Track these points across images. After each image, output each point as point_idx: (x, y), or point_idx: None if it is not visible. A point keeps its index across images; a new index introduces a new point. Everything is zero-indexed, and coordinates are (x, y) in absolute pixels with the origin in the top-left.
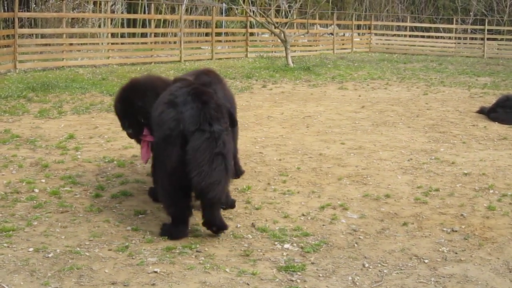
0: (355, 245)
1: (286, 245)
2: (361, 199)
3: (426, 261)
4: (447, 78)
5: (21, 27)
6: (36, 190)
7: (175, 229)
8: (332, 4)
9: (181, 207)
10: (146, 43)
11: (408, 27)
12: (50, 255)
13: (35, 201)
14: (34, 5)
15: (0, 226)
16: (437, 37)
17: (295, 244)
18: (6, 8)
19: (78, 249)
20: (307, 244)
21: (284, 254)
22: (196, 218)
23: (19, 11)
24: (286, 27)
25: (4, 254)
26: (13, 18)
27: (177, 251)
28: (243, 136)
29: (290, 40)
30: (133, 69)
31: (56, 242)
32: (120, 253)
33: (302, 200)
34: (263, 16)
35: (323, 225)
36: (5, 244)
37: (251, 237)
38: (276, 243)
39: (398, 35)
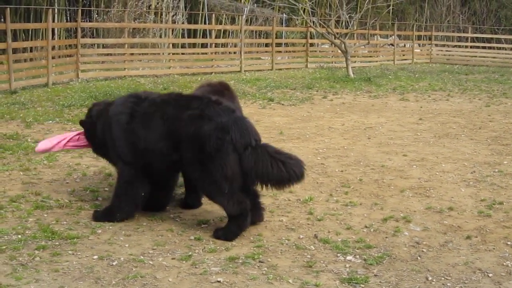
0: (418, 258)
1: (349, 257)
2: (424, 212)
3: (490, 275)
4: (509, 89)
5: (83, 37)
6: (100, 199)
7: (242, 223)
8: (393, 14)
9: (245, 204)
10: (206, 53)
11: (469, 38)
12: (114, 263)
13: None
14: (96, 15)
15: (65, 233)
16: (498, 48)
17: (357, 256)
18: (69, 18)
19: (142, 257)
20: (370, 256)
21: (347, 266)
22: (263, 232)
23: (81, 21)
24: (347, 37)
25: (69, 261)
26: (76, 28)
27: (240, 261)
28: (305, 147)
29: (350, 51)
30: (194, 79)
31: (120, 250)
32: (184, 262)
33: (365, 212)
34: (323, 27)
35: (386, 237)
36: (70, 252)
37: (313, 248)
38: (339, 254)
39: (459, 46)
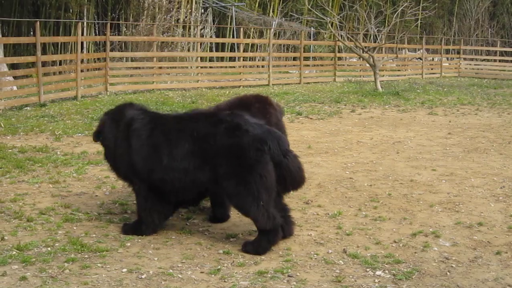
0: (448, 273)
1: (378, 272)
2: (453, 227)
3: None
4: None
5: (112, 50)
6: (129, 212)
7: (273, 238)
8: (421, 28)
9: (278, 219)
10: (234, 67)
11: (498, 52)
12: (143, 276)
13: (128, 223)
14: (125, 29)
15: (94, 246)
16: None
17: (387, 271)
18: (98, 31)
19: (171, 270)
20: (399, 271)
21: (376, 281)
22: (292, 246)
23: (110, 35)
24: (375, 51)
25: (98, 274)
26: (105, 42)
27: (269, 275)
28: (333, 161)
29: (379, 65)
30: (222, 93)
31: (149, 264)
32: (212, 275)
33: (394, 227)
34: (351, 41)
35: (415, 252)
36: (99, 264)
37: (342, 263)
38: (368, 269)
39: (488, 60)
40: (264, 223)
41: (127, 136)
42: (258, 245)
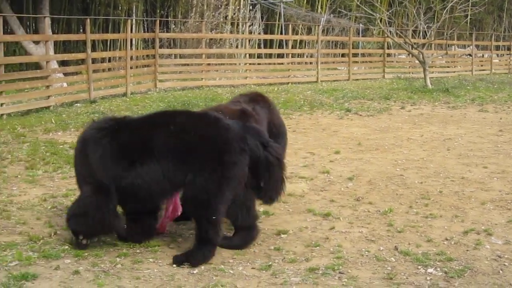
0: (500, 271)
1: (430, 270)
2: (506, 225)
3: None
4: None
5: (161, 47)
6: None
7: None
8: (471, 24)
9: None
10: (283, 63)
11: None
12: (195, 272)
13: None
14: (174, 26)
15: (146, 242)
16: None
17: (438, 269)
18: (146, 28)
19: (222, 266)
20: (451, 269)
21: (428, 278)
22: (343, 243)
23: (159, 32)
24: (425, 48)
25: (150, 269)
26: (154, 39)
27: (320, 272)
28: (383, 158)
29: (428, 61)
30: (270, 89)
31: None
32: (264, 271)
33: (445, 224)
34: (401, 37)
35: (467, 250)
36: (151, 259)
37: (394, 260)
38: (419, 267)
39: None
40: (212, 234)
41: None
42: (192, 257)
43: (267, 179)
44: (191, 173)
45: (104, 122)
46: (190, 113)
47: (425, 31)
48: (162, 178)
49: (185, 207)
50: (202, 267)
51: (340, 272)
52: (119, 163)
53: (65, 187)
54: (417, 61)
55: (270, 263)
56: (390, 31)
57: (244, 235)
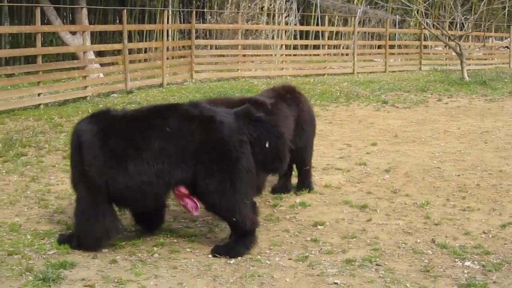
0: None
1: (467, 263)
2: None
3: None
4: None
5: (197, 38)
6: None
7: (253, 241)
8: (508, 16)
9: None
10: (318, 54)
11: None
12: (231, 262)
13: None
14: (210, 17)
15: (182, 231)
16: None
17: (476, 262)
18: (182, 19)
19: (259, 257)
20: (488, 263)
21: (465, 271)
22: (379, 235)
23: (195, 23)
24: (462, 39)
25: (187, 259)
26: (190, 30)
27: (357, 263)
28: (420, 150)
29: (465, 53)
30: (306, 81)
31: None
32: (300, 262)
33: (483, 217)
34: (438, 28)
35: (505, 243)
36: (187, 249)
37: (431, 252)
38: (456, 260)
39: None
40: (249, 225)
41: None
42: (232, 250)
43: (267, 151)
44: (202, 178)
45: (98, 116)
46: (183, 112)
47: (462, 23)
48: (155, 179)
49: (210, 213)
50: (239, 257)
51: (377, 264)
52: (115, 169)
53: None
54: (454, 53)
55: (307, 254)
56: (427, 23)
57: (242, 239)
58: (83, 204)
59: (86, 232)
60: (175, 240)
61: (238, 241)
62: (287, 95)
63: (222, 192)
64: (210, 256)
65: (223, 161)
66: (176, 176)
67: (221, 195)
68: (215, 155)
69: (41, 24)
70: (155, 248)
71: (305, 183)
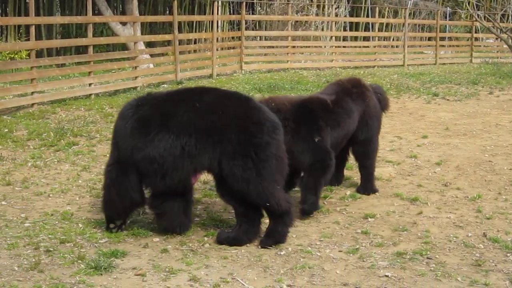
0: None
1: None
2: None
3: None
4: None
5: (246, 29)
6: None
7: (292, 218)
8: None
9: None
10: (368, 46)
11: None
12: (282, 253)
13: None
14: (259, 8)
15: (232, 222)
16: None
17: None
18: (232, 11)
19: (309, 248)
20: None
21: None
22: (430, 228)
23: (245, 14)
24: None
25: (238, 249)
26: (239, 21)
27: (408, 256)
28: (471, 143)
29: None
30: (356, 72)
31: (287, 240)
32: (351, 255)
33: None
34: (489, 21)
35: None
36: None
37: (482, 247)
38: (508, 254)
39: None
40: (284, 205)
41: None
42: (278, 233)
43: None
44: (224, 160)
45: (135, 99)
46: (219, 91)
47: None
48: (181, 156)
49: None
50: (289, 248)
51: (428, 258)
52: (140, 137)
53: None
54: (505, 46)
55: (358, 246)
56: (478, 15)
57: (246, 228)
58: (113, 173)
59: (113, 200)
60: (225, 231)
61: (278, 224)
62: (353, 89)
63: (248, 178)
64: (259, 247)
65: (252, 143)
66: (202, 154)
67: (245, 183)
68: (245, 136)
69: (92, 15)
70: (205, 238)
71: (367, 187)
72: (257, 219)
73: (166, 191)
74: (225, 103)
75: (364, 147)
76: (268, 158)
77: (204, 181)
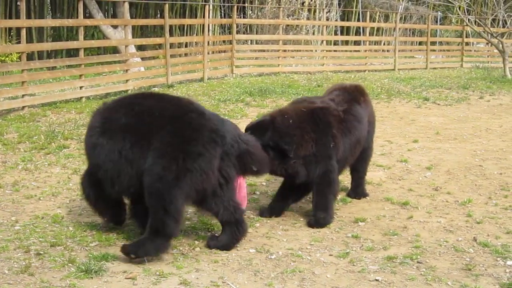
0: None
1: (509, 262)
2: None
3: None
4: None
5: (237, 33)
6: (258, 193)
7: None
8: None
9: None
10: (359, 50)
11: None
12: (272, 257)
13: (255, 203)
14: (251, 12)
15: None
16: None
17: None
18: (223, 14)
19: (300, 252)
20: None
21: (507, 271)
22: (421, 233)
23: (236, 18)
24: (504, 37)
25: (228, 253)
26: (231, 24)
27: (398, 261)
28: (462, 148)
29: (508, 51)
30: (347, 77)
31: (278, 244)
32: (341, 259)
33: None
34: (480, 25)
35: None
36: None
37: (472, 251)
38: (498, 259)
39: None
40: (168, 227)
41: None
42: (143, 248)
43: (251, 167)
44: (151, 156)
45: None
46: (165, 96)
47: (505, 20)
48: (120, 161)
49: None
50: (280, 252)
51: (418, 262)
52: (87, 146)
53: None
54: (496, 51)
55: (348, 250)
56: (469, 20)
57: (231, 232)
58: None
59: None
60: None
61: (149, 235)
62: (361, 97)
63: (161, 179)
64: (251, 251)
65: (183, 149)
66: (139, 157)
67: (159, 180)
68: (178, 139)
69: (83, 18)
70: (196, 242)
71: (358, 191)
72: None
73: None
74: (165, 107)
75: (364, 153)
76: (193, 169)
77: None
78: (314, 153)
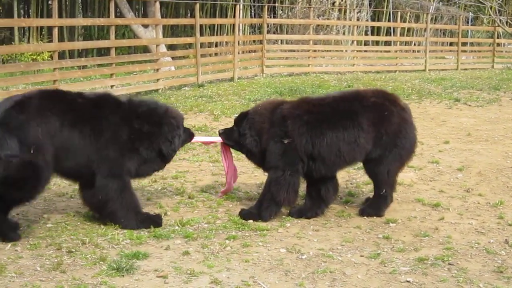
0: None
1: None
2: None
3: None
4: None
5: (268, 32)
6: None
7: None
8: None
9: None
10: (389, 51)
11: None
12: (303, 257)
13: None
14: (281, 12)
15: (254, 225)
16: None
17: None
18: (253, 14)
19: (331, 252)
20: None
21: None
22: (452, 234)
23: (267, 17)
24: None
25: (259, 253)
26: (261, 24)
27: (429, 262)
28: (493, 149)
29: None
30: (378, 77)
31: (308, 245)
32: (372, 260)
33: None
34: (511, 26)
35: None
36: (259, 243)
37: (504, 253)
38: None
39: None
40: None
41: None
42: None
43: None
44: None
45: None
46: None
47: None
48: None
49: None
50: (311, 252)
51: (449, 264)
52: None
53: (175, 169)
54: None
55: (379, 251)
56: (500, 20)
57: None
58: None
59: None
60: (247, 234)
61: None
62: (372, 98)
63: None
64: (282, 250)
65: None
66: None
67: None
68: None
69: (114, 17)
70: (227, 241)
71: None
72: None
73: None
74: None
75: None
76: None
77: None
78: (268, 144)
